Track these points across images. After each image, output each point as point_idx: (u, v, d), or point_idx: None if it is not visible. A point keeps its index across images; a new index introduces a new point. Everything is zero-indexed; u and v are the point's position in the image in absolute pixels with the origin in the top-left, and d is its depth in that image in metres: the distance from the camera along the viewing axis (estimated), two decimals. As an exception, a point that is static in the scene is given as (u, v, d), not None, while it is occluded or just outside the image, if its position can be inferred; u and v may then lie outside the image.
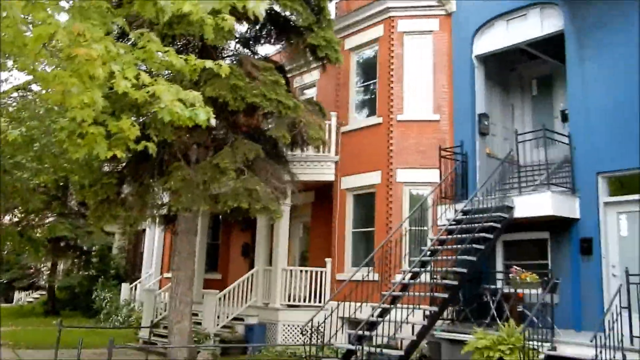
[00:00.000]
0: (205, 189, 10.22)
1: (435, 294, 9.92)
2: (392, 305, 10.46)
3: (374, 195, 13.92)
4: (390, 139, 13.68)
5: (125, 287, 21.61)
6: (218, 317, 14.50)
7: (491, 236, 10.53)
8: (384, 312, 10.50)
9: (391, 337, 9.56)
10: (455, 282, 9.97)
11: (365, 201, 14.36)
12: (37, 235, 21.80)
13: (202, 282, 17.76)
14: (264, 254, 15.48)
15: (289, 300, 14.45)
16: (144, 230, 25.48)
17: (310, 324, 10.47)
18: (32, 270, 28.00)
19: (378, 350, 9.45)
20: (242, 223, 18.38)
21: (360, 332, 9.86)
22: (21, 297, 29.95)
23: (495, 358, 8.26)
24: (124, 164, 11.19)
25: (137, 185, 10.74)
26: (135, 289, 21.64)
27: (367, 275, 12.66)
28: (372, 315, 10.20)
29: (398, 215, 13.29)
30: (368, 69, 14.96)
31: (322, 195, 15.65)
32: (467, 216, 11.53)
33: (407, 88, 13.88)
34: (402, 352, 9.64)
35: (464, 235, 10.49)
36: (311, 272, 14.45)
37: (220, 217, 18.90)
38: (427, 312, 9.94)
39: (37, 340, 15.85)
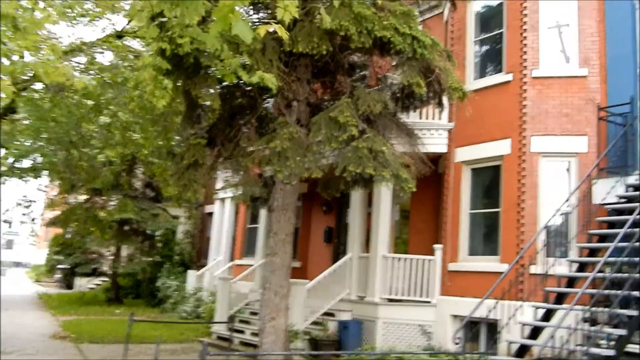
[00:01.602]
0: (319, 150, 7.91)
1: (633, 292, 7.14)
2: (557, 305, 7.85)
3: (499, 168, 11.26)
4: (523, 99, 10.97)
5: (191, 274, 19.64)
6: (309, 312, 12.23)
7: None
8: (548, 314, 7.91)
9: (569, 350, 6.89)
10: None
11: (488, 176, 11.70)
12: (103, 216, 20.11)
13: (281, 271, 15.49)
14: (358, 238, 13.03)
15: (390, 293, 11.99)
16: (210, 213, 23.58)
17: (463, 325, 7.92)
18: (95, 256, 26.38)
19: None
20: (325, 204, 16.03)
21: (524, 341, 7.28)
22: (82, 284, 28.49)
23: None
24: (211, 124, 8.91)
25: (231, 147, 8.48)
26: (203, 276, 19.64)
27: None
28: (535, 318, 7.60)
29: (533, 193, 10.59)
30: (490, 18, 12.27)
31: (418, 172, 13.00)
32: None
33: (545, 38, 11.11)
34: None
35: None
36: (417, 260, 11.92)
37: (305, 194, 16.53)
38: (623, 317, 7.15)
39: (101, 332, 13.93)
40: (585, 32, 10.86)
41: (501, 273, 10.49)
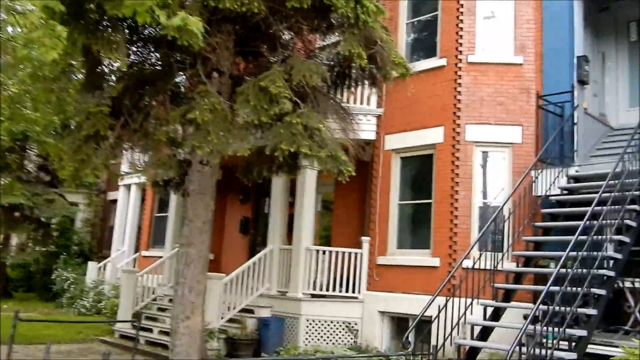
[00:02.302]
0: (246, 124, 6.78)
1: (593, 289, 6.54)
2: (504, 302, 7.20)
3: (431, 157, 10.59)
4: (458, 85, 10.35)
5: (92, 266, 17.79)
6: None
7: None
8: (495, 312, 7.26)
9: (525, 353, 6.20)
10: (612, 273, 6.76)
11: (419, 166, 11.02)
12: (-14, 200, 17.70)
13: (192, 263, 14.14)
14: (280, 229, 11.97)
15: (314, 288, 11.06)
16: (114, 201, 21.61)
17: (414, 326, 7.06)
18: (-22, 245, 23.57)
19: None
20: (242, 192, 14.83)
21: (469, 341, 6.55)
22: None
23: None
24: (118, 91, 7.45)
25: (140, 117, 7.10)
26: (105, 268, 17.83)
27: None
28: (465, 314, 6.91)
29: (467, 184, 10.01)
30: (423, 1, 11.56)
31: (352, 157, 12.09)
32: (583, 184, 8.41)
33: (481, 22, 10.56)
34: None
35: (599, 208, 7.20)
36: (342, 253, 11.05)
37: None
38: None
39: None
40: (521, 18, 10.40)
41: (433, 267, 9.93)
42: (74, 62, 8.96)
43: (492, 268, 7.79)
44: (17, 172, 18.03)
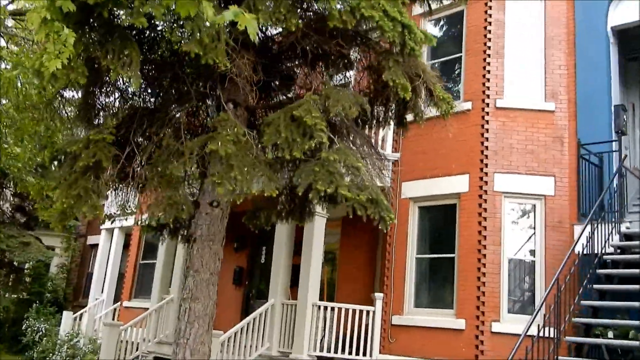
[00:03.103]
0: (275, 160, 5.74)
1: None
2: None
3: (454, 208, 9.60)
4: (485, 131, 9.49)
5: (67, 316, 16.08)
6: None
7: None
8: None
9: None
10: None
11: (440, 216, 10.01)
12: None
13: (180, 316, 12.73)
14: (283, 282, 10.73)
15: (320, 349, 9.78)
16: (94, 245, 20.14)
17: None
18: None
19: None
20: (238, 239, 13.62)
21: None
22: None
23: None
24: (121, 120, 6.34)
25: (149, 148, 5.96)
26: (81, 319, 16.19)
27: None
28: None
29: (495, 237, 8.99)
30: (445, 42, 10.84)
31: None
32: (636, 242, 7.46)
33: (510, 66, 9.82)
34: None
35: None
36: (353, 311, 9.84)
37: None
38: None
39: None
40: (553, 63, 9.67)
41: (457, 330, 8.79)
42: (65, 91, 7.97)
43: (556, 337, 6.65)
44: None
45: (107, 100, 6.75)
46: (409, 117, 7.77)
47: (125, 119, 6.31)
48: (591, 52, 9.36)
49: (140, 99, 6.88)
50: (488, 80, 9.66)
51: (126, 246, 17.46)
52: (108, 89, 6.66)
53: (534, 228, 9.04)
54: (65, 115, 8.01)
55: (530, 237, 9.06)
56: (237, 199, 5.65)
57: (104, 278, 17.35)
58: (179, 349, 6.47)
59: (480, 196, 9.21)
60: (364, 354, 9.64)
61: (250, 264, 13.91)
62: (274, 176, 5.67)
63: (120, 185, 6.56)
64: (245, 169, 5.39)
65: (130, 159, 5.88)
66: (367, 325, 9.75)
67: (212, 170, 5.48)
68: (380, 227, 5.99)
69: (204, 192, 6.63)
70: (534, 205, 9.16)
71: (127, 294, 15.89)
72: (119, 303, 16.03)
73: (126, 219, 14.31)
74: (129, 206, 10.84)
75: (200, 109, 7.34)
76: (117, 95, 6.84)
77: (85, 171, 5.40)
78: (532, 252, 8.88)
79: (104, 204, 18.11)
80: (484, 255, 8.90)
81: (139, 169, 5.81)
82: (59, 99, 7.57)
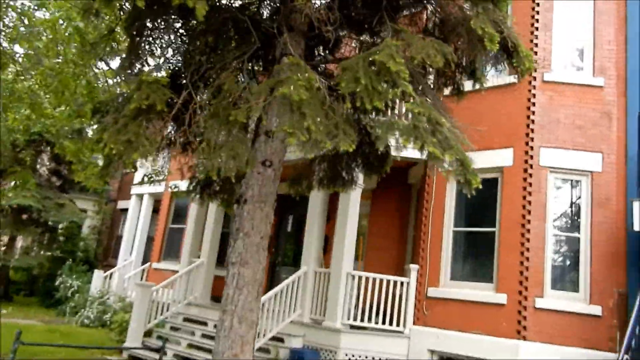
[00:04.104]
0: (351, 110, 5.27)
1: None
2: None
3: (496, 182, 9.19)
4: (532, 105, 9.00)
5: (97, 274, 16.08)
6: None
7: None
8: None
9: None
10: None
11: (480, 190, 9.54)
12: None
13: (211, 281, 12.58)
14: (316, 250, 10.43)
15: (354, 319, 9.51)
16: (124, 210, 20.03)
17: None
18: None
19: None
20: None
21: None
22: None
23: None
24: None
25: (210, 90, 5.48)
26: (111, 278, 16.15)
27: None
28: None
29: (540, 212, 8.58)
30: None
31: (392, 179, 10.54)
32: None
33: (558, 40, 9.27)
34: None
35: None
36: (387, 282, 9.53)
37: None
38: None
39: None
40: (602, 38, 9.12)
41: (498, 305, 8.45)
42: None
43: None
44: (29, 171, 16.47)
45: (161, 39, 6.19)
46: (468, 84, 7.29)
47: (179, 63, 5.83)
48: (644, 27, 8.79)
49: (198, 41, 6.29)
50: (536, 53, 9.11)
51: (155, 211, 17.31)
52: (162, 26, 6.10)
53: (580, 204, 8.61)
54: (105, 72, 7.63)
55: (575, 213, 8.63)
56: (308, 152, 5.21)
57: (133, 240, 17.26)
58: (226, 316, 6.13)
59: (525, 170, 8.77)
60: (397, 325, 9.37)
61: (277, 231, 13.62)
62: (350, 129, 5.19)
63: (175, 136, 6.04)
64: (319, 119, 4.93)
65: (186, 105, 5.39)
66: (400, 296, 9.45)
67: (281, 119, 4.97)
68: (463, 191, 5.58)
69: (256, 150, 6.22)
70: (580, 181, 8.71)
71: (156, 256, 15.76)
72: (147, 264, 15.91)
73: (160, 183, 14.06)
74: (168, 169, 10.53)
75: (261, 57, 6.82)
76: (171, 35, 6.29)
77: (137, 115, 4.95)
78: (577, 229, 8.46)
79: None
80: (528, 230, 8.50)
81: (197, 115, 5.25)
82: (103, 45, 7.14)
